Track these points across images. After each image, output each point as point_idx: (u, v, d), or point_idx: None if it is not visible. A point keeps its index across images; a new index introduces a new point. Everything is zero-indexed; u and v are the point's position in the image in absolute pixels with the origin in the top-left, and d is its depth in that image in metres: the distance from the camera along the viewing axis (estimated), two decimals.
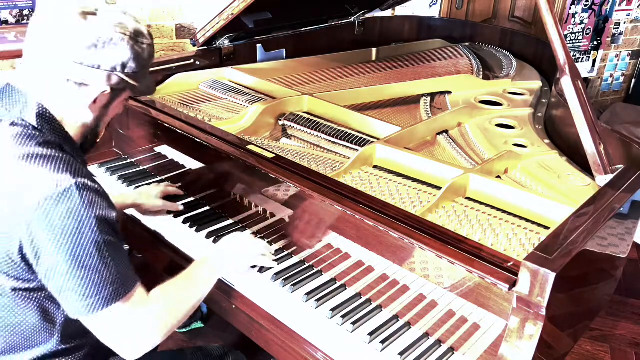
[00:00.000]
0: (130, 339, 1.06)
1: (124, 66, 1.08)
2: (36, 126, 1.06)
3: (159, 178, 1.78)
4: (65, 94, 1.07)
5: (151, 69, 1.91)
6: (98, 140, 1.23)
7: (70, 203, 0.98)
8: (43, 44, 1.04)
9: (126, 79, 1.09)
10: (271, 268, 1.38)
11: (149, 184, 1.73)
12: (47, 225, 0.97)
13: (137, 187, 1.72)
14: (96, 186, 1.04)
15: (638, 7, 4.44)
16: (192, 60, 2.09)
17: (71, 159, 1.05)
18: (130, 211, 1.61)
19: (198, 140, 1.56)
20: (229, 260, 1.31)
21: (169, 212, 1.60)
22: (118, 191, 1.67)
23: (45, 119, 1.08)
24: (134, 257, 2.61)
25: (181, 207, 1.61)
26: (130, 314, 1.05)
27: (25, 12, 2.57)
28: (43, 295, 1.07)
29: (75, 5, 1.05)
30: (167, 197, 1.62)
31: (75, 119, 1.12)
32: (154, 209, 1.58)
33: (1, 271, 1.03)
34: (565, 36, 4.13)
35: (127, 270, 1.06)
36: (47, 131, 1.07)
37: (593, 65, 4.45)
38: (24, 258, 1.01)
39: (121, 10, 1.10)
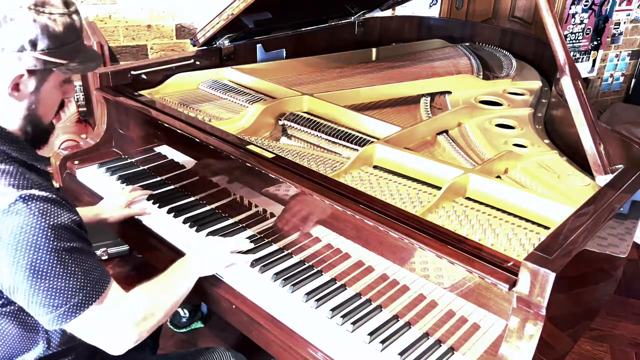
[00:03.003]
0: (111, 337, 1.06)
1: (33, 44, 0.97)
2: None
3: (158, 178, 1.78)
4: None
5: (152, 69, 1.96)
6: (49, 134, 1.13)
7: (18, 217, 0.93)
8: None
9: (44, 57, 0.99)
10: (268, 262, 1.39)
11: (149, 184, 1.73)
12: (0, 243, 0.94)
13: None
14: (46, 194, 0.97)
15: (638, 7, 4.44)
16: (192, 60, 2.09)
17: (14, 170, 0.99)
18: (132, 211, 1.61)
19: (198, 140, 1.56)
20: (204, 258, 1.33)
21: (169, 212, 1.61)
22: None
23: None
24: (134, 257, 2.61)
25: (149, 212, 1.58)
26: (106, 314, 1.04)
27: None
28: (16, 307, 1.05)
29: None
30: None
31: (5, 112, 1.03)
32: (119, 220, 1.57)
33: None
34: (565, 36, 4.13)
35: (97, 272, 1.03)
36: None
37: (593, 65, 4.45)
38: None
39: None
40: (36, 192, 0.96)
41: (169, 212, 1.62)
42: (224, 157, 1.52)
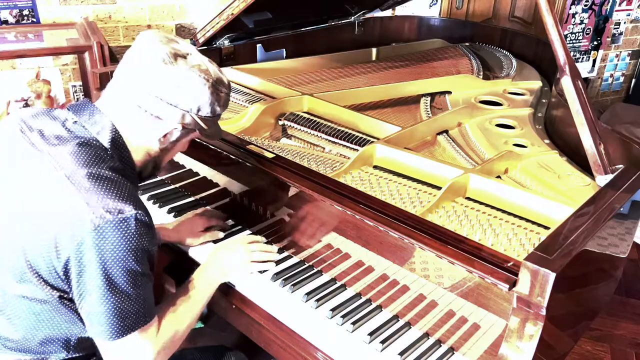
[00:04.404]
0: None
1: (199, 109, 1.13)
2: (108, 149, 1.10)
3: (158, 178, 1.77)
4: (140, 122, 1.13)
5: None
6: (157, 173, 1.27)
7: (126, 232, 1.01)
8: (133, 76, 1.10)
9: (198, 121, 1.14)
10: (270, 265, 1.39)
11: (149, 184, 1.72)
12: (98, 247, 0.99)
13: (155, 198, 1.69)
14: (148, 220, 1.07)
15: (638, 7, 4.44)
16: None
17: (134, 189, 1.10)
18: None
19: (198, 141, 1.56)
20: (225, 271, 1.33)
21: (169, 212, 1.60)
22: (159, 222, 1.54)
23: (117, 144, 1.12)
24: None
25: (222, 235, 1.51)
26: (141, 343, 1.07)
27: (25, 12, 2.57)
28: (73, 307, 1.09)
29: (169, 46, 1.11)
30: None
31: (143, 146, 1.16)
32: (194, 245, 1.49)
33: (43, 279, 1.04)
34: (565, 36, 4.13)
35: (151, 302, 1.10)
36: (117, 156, 1.12)
37: (593, 65, 4.45)
38: (66, 273, 1.02)
39: (207, 59, 1.16)
40: (145, 215, 1.05)
41: (169, 212, 1.62)
42: (224, 157, 1.52)
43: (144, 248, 1.04)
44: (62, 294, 1.06)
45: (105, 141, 1.10)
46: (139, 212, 1.03)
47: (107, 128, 1.11)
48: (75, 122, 1.12)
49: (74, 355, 1.15)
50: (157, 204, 1.65)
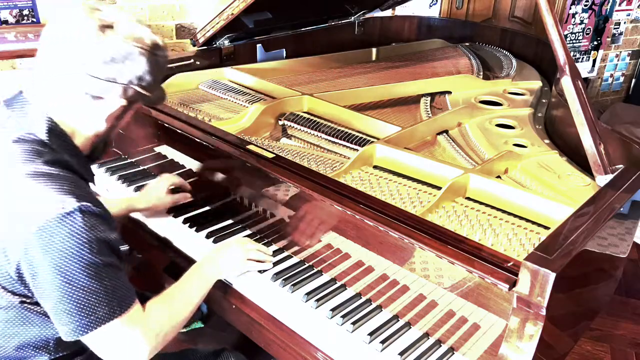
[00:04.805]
0: (127, 355, 1.07)
1: (140, 79, 1.07)
2: (45, 141, 1.05)
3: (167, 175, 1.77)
4: (80, 106, 1.07)
5: None
6: (106, 150, 1.23)
7: (72, 226, 0.97)
8: (59, 57, 1.03)
9: (141, 90, 1.09)
10: (267, 265, 1.39)
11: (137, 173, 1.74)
12: (46, 246, 0.96)
13: (138, 186, 1.72)
14: (98, 209, 1.02)
15: (638, 7, 4.44)
16: (192, 60, 2.09)
17: (78, 180, 1.05)
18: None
19: (198, 140, 1.56)
20: (220, 267, 1.32)
21: (169, 212, 1.61)
22: (124, 194, 1.67)
23: (55, 133, 1.06)
24: (134, 257, 2.61)
25: (189, 196, 1.60)
26: (126, 331, 1.05)
27: (25, 12, 2.57)
28: (44, 310, 1.07)
29: (94, 17, 1.03)
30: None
31: (87, 130, 1.11)
32: (166, 207, 1.58)
33: (1, 286, 1.03)
34: (565, 36, 4.13)
35: (125, 289, 1.06)
36: (57, 146, 1.06)
37: (593, 65, 4.45)
38: (21, 277, 1.01)
39: (136, 20, 1.08)
40: (92, 206, 1.01)
41: (169, 212, 1.61)
42: (224, 157, 1.52)
43: (98, 238, 1.00)
44: (23, 299, 1.04)
45: (42, 133, 1.04)
46: (83, 203, 0.99)
47: (42, 119, 1.05)
48: (9, 117, 1.06)
49: (58, 356, 1.13)
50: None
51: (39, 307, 1.06)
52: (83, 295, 0.98)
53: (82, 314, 0.99)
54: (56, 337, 1.10)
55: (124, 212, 1.55)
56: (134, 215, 1.60)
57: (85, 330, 1.00)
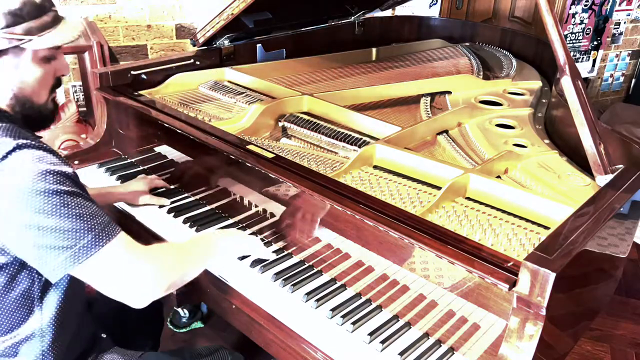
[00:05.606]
0: (129, 283, 1.04)
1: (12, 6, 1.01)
2: None
3: (154, 175, 1.78)
4: None
5: (152, 69, 1.96)
6: (46, 116, 1.16)
7: (17, 162, 0.97)
8: None
9: (7, 36, 1.02)
10: (269, 263, 1.39)
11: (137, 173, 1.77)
12: (2, 189, 0.96)
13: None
14: (41, 144, 1.02)
15: (638, 7, 4.44)
16: (192, 60, 2.09)
17: (10, 125, 1.03)
18: (132, 211, 1.62)
19: (198, 141, 1.56)
20: (225, 239, 1.33)
21: (169, 212, 1.61)
22: (106, 185, 1.70)
23: None
24: None
25: (167, 202, 1.64)
26: (121, 258, 1.02)
27: None
28: (16, 268, 1.05)
29: None
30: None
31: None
32: (140, 202, 1.63)
33: None
34: (565, 36, 4.13)
35: (104, 217, 1.03)
36: None
37: (593, 65, 4.45)
38: None
39: None
40: (32, 141, 1.00)
41: (169, 212, 1.62)
42: (224, 157, 1.52)
43: (49, 170, 0.98)
44: None
45: None
46: (20, 140, 0.98)
47: None
48: None
49: (43, 328, 1.11)
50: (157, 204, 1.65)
51: (10, 268, 1.04)
52: (58, 225, 0.96)
53: (67, 244, 0.97)
54: (39, 298, 1.08)
55: (113, 200, 1.62)
56: (135, 215, 1.60)
57: (76, 259, 0.98)
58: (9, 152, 0.97)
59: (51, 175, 0.98)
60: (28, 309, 1.10)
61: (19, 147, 0.98)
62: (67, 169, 1.02)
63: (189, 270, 1.17)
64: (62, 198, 0.98)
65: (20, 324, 1.10)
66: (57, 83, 1.16)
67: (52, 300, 1.12)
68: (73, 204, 0.99)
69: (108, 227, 1.03)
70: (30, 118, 1.12)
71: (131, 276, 1.04)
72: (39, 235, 0.97)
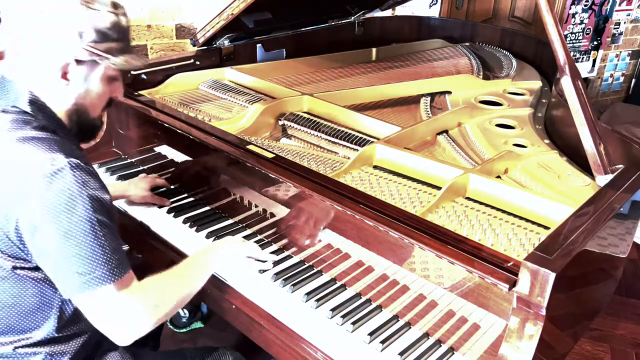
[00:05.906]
0: (122, 324, 1.07)
1: (80, 35, 1.06)
2: (29, 112, 1.08)
3: (155, 175, 1.78)
4: (49, 78, 1.09)
5: (151, 69, 1.95)
6: (96, 129, 1.23)
7: (63, 181, 1.00)
8: (12, 25, 1.06)
9: (91, 49, 1.07)
10: (267, 265, 1.39)
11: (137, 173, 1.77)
12: (42, 202, 0.99)
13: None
14: (89, 167, 1.05)
15: (638, 7, 4.44)
16: (192, 60, 2.09)
17: (65, 141, 1.08)
18: (132, 211, 1.61)
19: (198, 141, 1.56)
20: (220, 255, 1.32)
21: (169, 212, 1.61)
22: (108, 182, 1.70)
23: (37, 105, 1.10)
24: (134, 257, 2.61)
25: (168, 202, 1.65)
26: (122, 298, 1.05)
27: None
28: (41, 275, 1.09)
29: None
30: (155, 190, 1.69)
31: (56, 101, 1.12)
32: (141, 201, 1.64)
33: (0, 250, 1.05)
34: (565, 36, 4.13)
35: (122, 254, 1.07)
36: (41, 118, 1.09)
37: (593, 65, 4.45)
38: (20, 237, 1.03)
39: None
40: (82, 163, 1.04)
41: (169, 212, 1.62)
42: (224, 157, 1.52)
43: (91, 195, 1.02)
44: (18, 263, 1.06)
45: (25, 105, 1.08)
46: (71, 159, 1.02)
47: (23, 93, 1.09)
48: None
49: (62, 325, 1.14)
50: (157, 204, 1.65)
51: (33, 273, 1.08)
52: (81, 251, 1.00)
53: (82, 270, 1.00)
54: (59, 306, 1.12)
55: (118, 196, 1.62)
56: (134, 215, 1.60)
57: (85, 287, 1.01)
58: (60, 170, 1.00)
59: (91, 201, 1.01)
60: (45, 314, 1.13)
61: (70, 165, 1.01)
62: (106, 197, 1.07)
63: (185, 296, 1.19)
64: (92, 226, 1.01)
65: (35, 328, 1.13)
66: (109, 103, 1.22)
67: (69, 309, 1.15)
68: (101, 234, 1.02)
69: (122, 265, 1.06)
70: (82, 129, 1.18)
71: (123, 316, 1.07)
72: (61, 256, 1.00)
